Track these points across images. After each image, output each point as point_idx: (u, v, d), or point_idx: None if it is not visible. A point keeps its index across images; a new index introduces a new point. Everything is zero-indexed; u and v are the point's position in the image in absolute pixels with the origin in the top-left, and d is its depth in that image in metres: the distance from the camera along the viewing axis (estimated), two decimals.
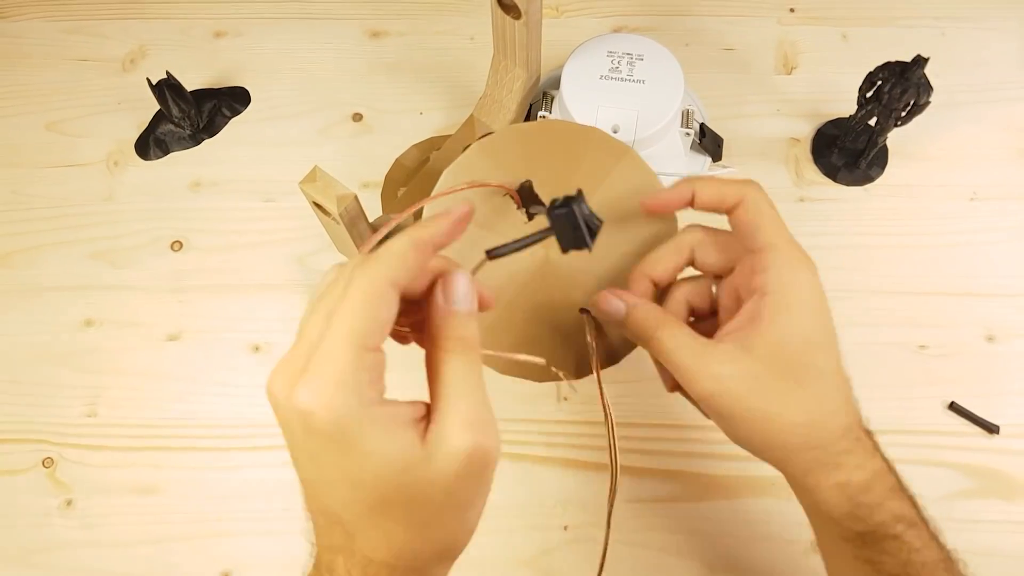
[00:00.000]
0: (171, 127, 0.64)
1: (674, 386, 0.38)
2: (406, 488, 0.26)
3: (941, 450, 0.53)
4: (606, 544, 0.42)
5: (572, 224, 0.33)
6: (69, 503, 0.53)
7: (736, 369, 0.33)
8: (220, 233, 0.61)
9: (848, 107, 0.59)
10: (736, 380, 0.33)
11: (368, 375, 0.26)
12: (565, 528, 0.52)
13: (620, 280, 0.43)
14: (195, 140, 0.64)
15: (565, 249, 0.34)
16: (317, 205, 0.43)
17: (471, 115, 0.59)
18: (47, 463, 0.54)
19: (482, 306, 0.31)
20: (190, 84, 0.63)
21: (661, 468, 0.53)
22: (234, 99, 0.66)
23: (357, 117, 0.65)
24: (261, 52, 0.68)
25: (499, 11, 0.49)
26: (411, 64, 0.67)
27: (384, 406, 0.26)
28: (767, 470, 0.52)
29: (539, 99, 0.59)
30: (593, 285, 0.43)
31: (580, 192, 0.32)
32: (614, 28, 0.68)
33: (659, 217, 0.43)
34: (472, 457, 0.27)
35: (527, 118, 0.60)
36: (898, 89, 0.53)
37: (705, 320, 0.39)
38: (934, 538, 0.35)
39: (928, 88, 0.54)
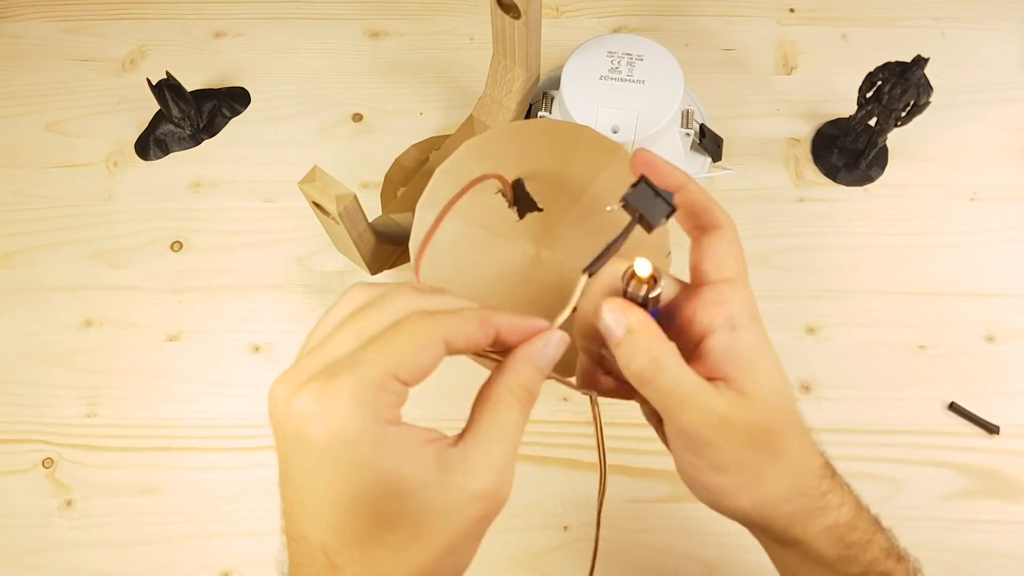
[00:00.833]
0: (171, 127, 0.64)
1: (657, 421, 0.34)
2: (412, 510, 0.24)
3: (941, 450, 0.53)
4: (596, 545, 0.42)
5: (651, 194, 0.30)
6: (69, 503, 0.53)
7: (740, 413, 0.28)
8: (220, 233, 0.61)
9: (848, 107, 0.59)
10: (741, 422, 0.29)
11: (389, 399, 0.24)
12: (566, 528, 0.52)
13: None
14: (195, 140, 0.64)
15: (654, 224, 0.30)
16: (316, 205, 0.43)
17: (470, 115, 0.59)
18: (47, 463, 0.54)
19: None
20: (190, 84, 0.63)
21: (660, 468, 0.53)
22: (234, 99, 0.66)
23: (357, 117, 0.65)
24: (261, 52, 0.68)
25: (499, 11, 0.49)
26: (411, 64, 0.67)
27: (399, 426, 0.25)
28: None
29: (539, 99, 0.59)
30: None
31: (643, 176, 0.30)
32: (614, 28, 0.68)
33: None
34: (491, 500, 0.26)
35: (527, 119, 0.60)
36: (898, 89, 0.53)
37: None
38: (917, 570, 0.34)
39: (928, 88, 0.54)
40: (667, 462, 0.53)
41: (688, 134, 0.57)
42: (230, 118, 0.65)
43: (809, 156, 0.62)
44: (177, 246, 0.61)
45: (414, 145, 0.63)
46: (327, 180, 0.42)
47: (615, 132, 0.53)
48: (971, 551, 0.50)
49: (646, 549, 0.51)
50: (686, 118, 0.57)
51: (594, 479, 0.53)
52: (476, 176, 0.39)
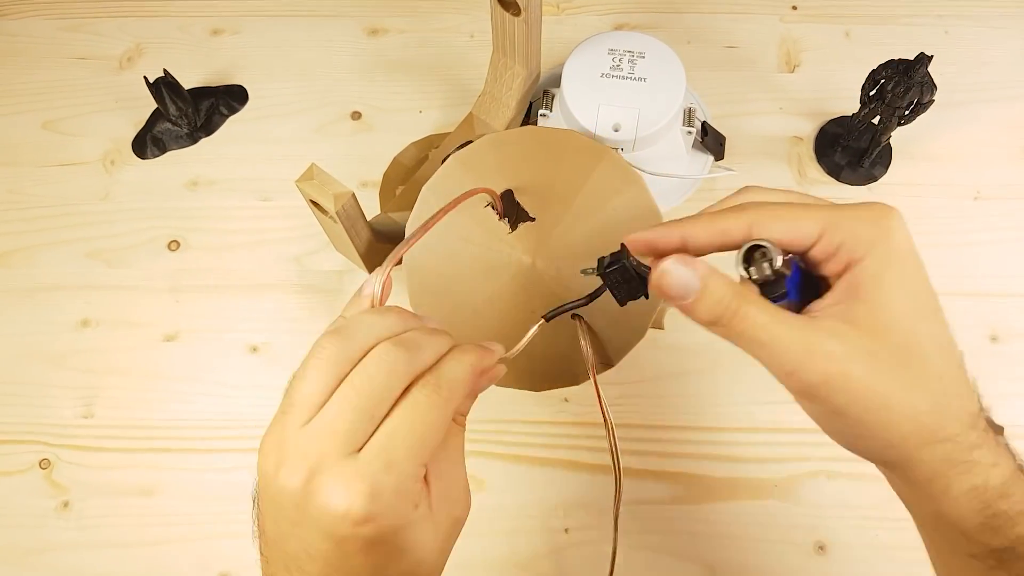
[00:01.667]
0: (168, 126, 0.64)
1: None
2: (409, 556, 0.27)
3: None
4: (615, 551, 0.42)
5: (625, 278, 0.32)
6: (66, 504, 0.52)
7: (849, 347, 0.27)
8: (217, 232, 0.61)
9: (851, 105, 0.59)
10: (852, 359, 0.26)
11: (418, 487, 0.27)
12: (566, 531, 0.51)
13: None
14: (192, 139, 0.64)
15: (622, 302, 0.33)
16: (314, 203, 0.43)
17: (470, 112, 0.58)
18: (44, 464, 0.54)
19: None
20: (187, 82, 0.63)
21: (662, 470, 0.52)
22: (232, 97, 0.65)
23: (356, 115, 0.65)
24: (259, 50, 0.68)
25: (499, 8, 0.49)
26: (410, 62, 0.67)
27: (420, 508, 0.27)
28: (768, 472, 0.52)
29: (539, 97, 0.58)
30: (583, 289, 0.43)
31: (624, 246, 0.31)
32: (615, 25, 0.68)
33: (644, 218, 0.43)
34: (462, 521, 0.29)
35: (527, 116, 0.60)
36: (901, 87, 0.53)
37: None
38: None
39: (931, 86, 0.53)
40: (668, 464, 0.53)
41: (690, 132, 0.57)
42: (228, 116, 0.65)
43: (812, 155, 0.62)
44: (174, 245, 0.60)
45: (413, 143, 0.62)
46: (325, 178, 0.41)
47: (616, 130, 0.53)
48: None
49: (648, 551, 0.50)
50: (688, 116, 0.57)
51: (596, 481, 0.53)
52: (464, 191, 0.39)
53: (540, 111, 0.57)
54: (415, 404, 0.26)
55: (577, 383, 0.45)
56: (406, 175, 0.59)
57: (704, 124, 0.59)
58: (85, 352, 0.57)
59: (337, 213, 0.41)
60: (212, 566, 0.51)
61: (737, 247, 0.28)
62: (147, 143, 0.64)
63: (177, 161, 0.63)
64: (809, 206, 0.28)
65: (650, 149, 0.55)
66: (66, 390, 0.56)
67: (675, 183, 0.59)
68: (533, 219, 0.44)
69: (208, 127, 0.64)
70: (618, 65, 0.55)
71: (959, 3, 0.68)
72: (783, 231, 0.28)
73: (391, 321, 0.29)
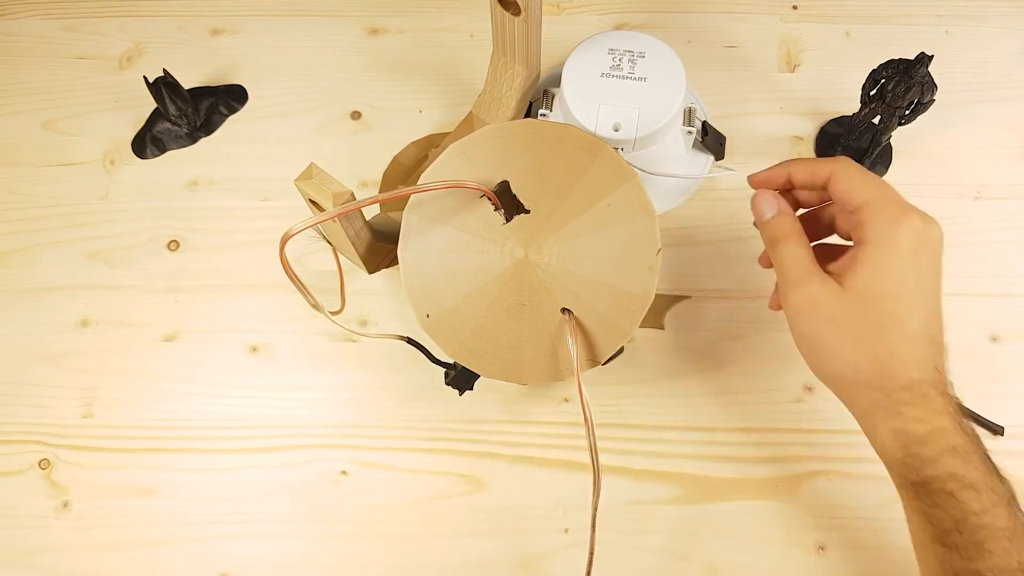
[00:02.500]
0: (168, 125, 0.64)
1: (776, 305, 0.43)
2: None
3: None
4: (592, 548, 0.43)
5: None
6: (65, 505, 0.52)
7: (828, 297, 0.37)
8: (217, 232, 0.60)
9: (851, 105, 0.59)
10: (824, 306, 0.37)
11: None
12: (566, 531, 0.51)
13: (602, 277, 0.43)
14: (192, 138, 0.64)
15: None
16: (313, 203, 0.43)
17: (470, 112, 0.58)
18: (43, 464, 0.53)
19: None
20: (187, 82, 0.63)
21: (662, 470, 0.52)
22: (231, 97, 0.65)
23: (356, 115, 0.65)
24: (259, 49, 0.68)
25: (498, 8, 0.49)
26: (410, 61, 0.67)
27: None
28: (768, 472, 0.52)
29: (540, 97, 0.58)
30: (574, 284, 0.43)
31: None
32: (615, 25, 0.68)
33: (638, 214, 0.43)
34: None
35: (527, 116, 0.60)
36: (902, 87, 0.53)
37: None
38: (1003, 506, 0.35)
39: (932, 86, 0.53)
40: (668, 464, 0.53)
41: (690, 132, 0.57)
42: (227, 116, 0.65)
43: (812, 154, 0.62)
44: (174, 245, 0.60)
45: (412, 143, 0.62)
46: (324, 177, 0.41)
47: (616, 130, 0.53)
48: None
49: (647, 551, 0.50)
50: (688, 116, 0.57)
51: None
52: (460, 178, 0.39)
53: (540, 111, 0.57)
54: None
55: (562, 378, 0.45)
56: (406, 175, 0.59)
57: (704, 124, 0.59)
58: (85, 352, 0.57)
59: None
60: (212, 566, 0.51)
61: (822, 187, 0.40)
62: (147, 143, 0.64)
63: (177, 161, 0.63)
64: (870, 182, 0.38)
65: (650, 149, 0.55)
66: (66, 390, 0.56)
67: (676, 183, 0.59)
68: (528, 211, 0.44)
69: (208, 127, 0.64)
70: (618, 65, 0.54)
71: (959, 3, 0.67)
72: (847, 190, 0.38)
73: None
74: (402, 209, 0.46)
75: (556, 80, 0.56)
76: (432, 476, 0.53)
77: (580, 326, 0.43)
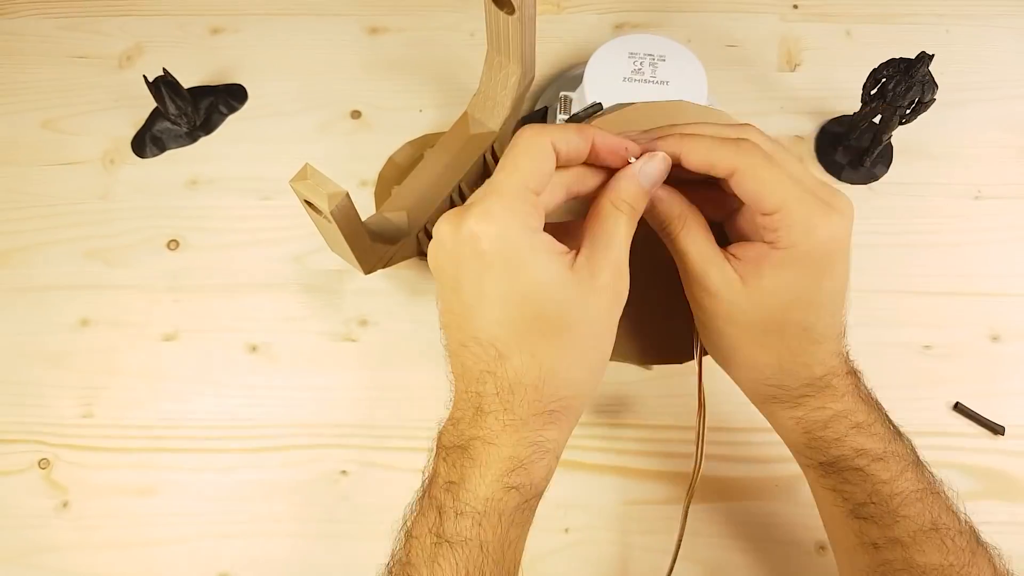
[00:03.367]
0: (168, 125, 0.63)
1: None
2: (557, 305, 0.30)
3: (946, 451, 0.52)
4: (678, 545, 0.44)
5: None
6: (65, 504, 0.52)
7: (732, 296, 0.33)
8: (217, 232, 0.60)
9: (852, 104, 0.59)
10: (728, 305, 0.33)
11: (531, 209, 0.30)
12: (566, 531, 0.51)
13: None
14: (192, 138, 0.64)
15: None
16: (308, 203, 0.43)
17: (465, 112, 0.58)
18: (43, 464, 0.53)
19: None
20: (187, 81, 0.63)
21: (662, 470, 0.52)
22: (231, 96, 0.65)
23: (356, 114, 0.65)
24: (259, 49, 0.68)
25: (492, 6, 0.48)
26: (410, 61, 0.67)
27: (542, 234, 0.30)
28: (768, 472, 0.52)
29: (558, 102, 0.57)
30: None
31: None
32: (615, 24, 0.68)
33: None
34: (613, 291, 0.31)
35: (544, 121, 0.59)
36: (902, 86, 0.53)
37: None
38: (910, 470, 0.36)
39: (933, 85, 0.53)
40: (668, 464, 0.53)
41: None
42: (227, 115, 0.65)
43: (813, 154, 0.62)
44: (174, 245, 0.60)
45: (408, 143, 0.62)
46: (319, 178, 0.41)
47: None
48: None
49: (647, 551, 0.50)
50: None
51: (595, 481, 0.53)
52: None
53: (559, 117, 0.57)
54: (514, 140, 0.31)
55: (680, 361, 0.43)
56: (401, 175, 0.59)
57: None
58: (84, 352, 0.57)
59: (331, 213, 0.41)
60: (212, 566, 0.51)
61: (719, 179, 0.33)
62: (146, 142, 0.64)
63: (176, 160, 0.63)
64: (783, 179, 0.32)
65: None
66: (65, 390, 0.56)
67: None
68: None
69: (208, 126, 0.64)
70: (639, 69, 0.54)
71: (960, 2, 0.67)
72: (757, 191, 0.32)
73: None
74: (397, 210, 0.45)
75: (571, 83, 0.56)
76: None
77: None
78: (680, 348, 0.42)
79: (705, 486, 0.52)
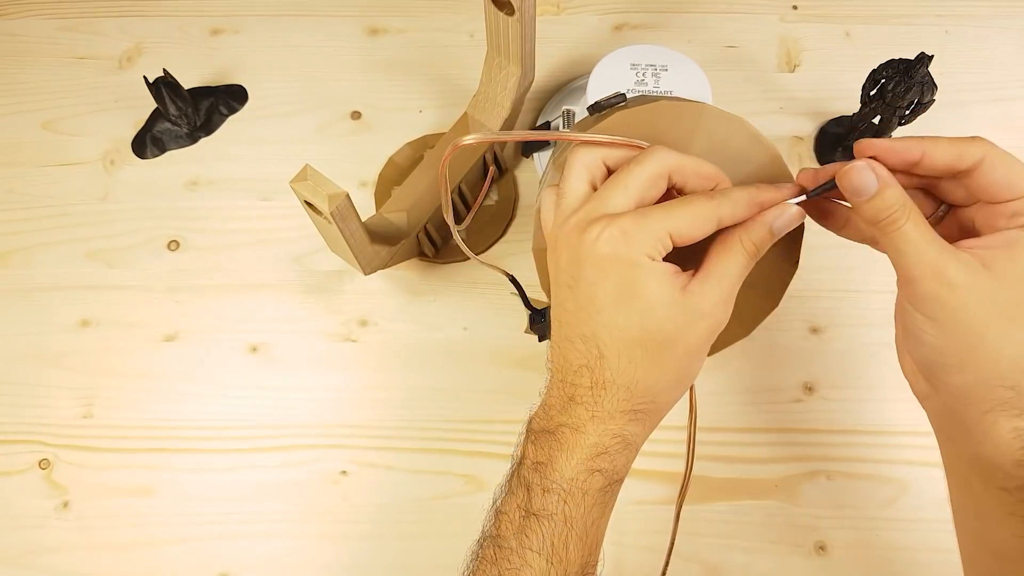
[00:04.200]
0: (168, 125, 0.64)
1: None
2: (663, 323, 0.32)
3: None
4: (671, 548, 0.44)
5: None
6: (65, 505, 0.52)
7: (975, 282, 0.31)
8: (217, 232, 0.60)
9: (851, 105, 0.59)
10: (970, 293, 0.31)
11: (661, 248, 0.32)
12: None
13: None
14: (192, 138, 0.64)
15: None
16: (308, 204, 0.43)
17: (464, 113, 0.58)
18: (43, 464, 0.53)
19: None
20: (187, 82, 0.63)
21: (662, 470, 0.52)
22: (231, 97, 0.65)
23: (356, 115, 0.65)
24: (259, 49, 0.68)
25: (492, 7, 0.48)
26: (410, 61, 0.67)
27: (661, 263, 0.33)
28: (768, 472, 0.52)
29: (560, 116, 0.57)
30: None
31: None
32: (615, 25, 0.68)
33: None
34: (714, 319, 0.33)
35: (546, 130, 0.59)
36: (902, 87, 0.53)
37: None
38: None
39: (932, 86, 0.53)
40: (668, 464, 0.53)
41: None
42: (227, 116, 0.65)
43: (812, 154, 0.62)
44: (174, 245, 0.60)
45: (408, 144, 0.62)
46: (319, 179, 0.41)
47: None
48: None
49: (648, 551, 0.50)
50: None
51: None
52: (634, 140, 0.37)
53: (562, 129, 0.57)
54: (689, 198, 0.33)
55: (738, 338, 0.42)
56: (402, 175, 0.59)
57: None
58: (84, 352, 0.57)
59: (331, 214, 0.41)
60: (211, 566, 0.51)
61: (963, 173, 0.33)
62: (147, 143, 0.64)
63: (177, 161, 0.63)
64: None
65: None
66: (65, 390, 0.56)
67: None
68: None
69: (208, 127, 0.64)
70: (642, 80, 0.54)
71: (959, 3, 0.67)
72: (1006, 179, 0.32)
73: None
74: (397, 210, 0.45)
75: (573, 95, 0.56)
76: (432, 476, 0.53)
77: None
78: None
79: (704, 486, 0.52)
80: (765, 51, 0.66)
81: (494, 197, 0.60)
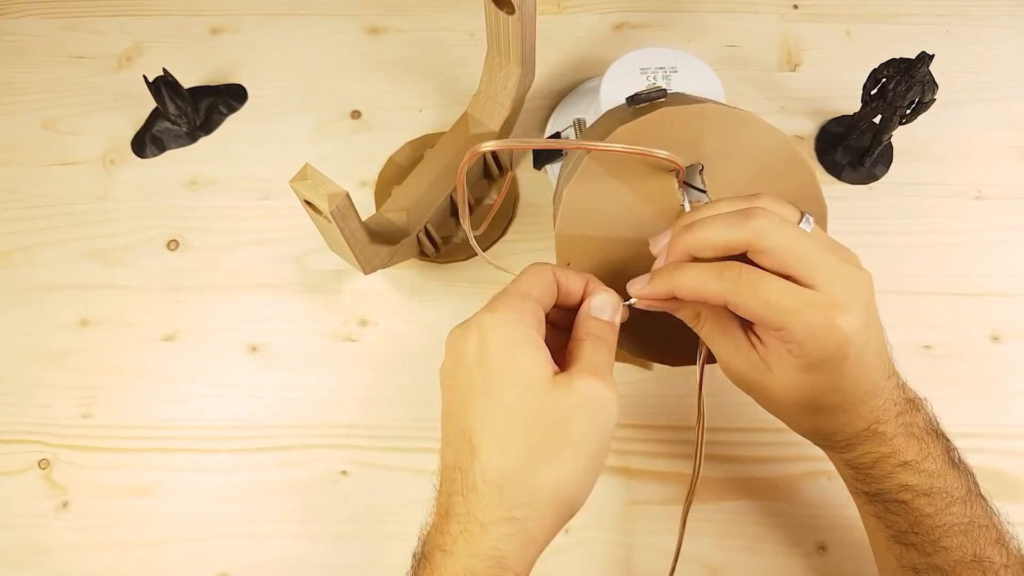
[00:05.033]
0: (168, 125, 0.63)
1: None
2: (531, 403, 0.31)
3: None
4: (678, 551, 0.44)
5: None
6: (65, 505, 0.52)
7: (762, 382, 0.36)
8: (217, 232, 0.60)
9: (852, 104, 0.59)
10: (757, 390, 0.37)
11: (532, 309, 0.33)
12: (566, 531, 0.51)
13: None
14: (192, 138, 0.64)
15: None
16: (308, 204, 0.43)
17: (465, 112, 0.58)
18: (43, 464, 0.53)
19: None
20: (187, 81, 0.63)
21: (663, 470, 0.52)
22: (231, 96, 0.65)
23: (356, 114, 0.65)
24: (258, 49, 0.68)
25: (492, 6, 0.48)
26: (410, 61, 0.67)
27: (539, 336, 0.33)
28: (768, 472, 0.52)
29: (571, 126, 0.56)
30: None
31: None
32: (616, 24, 0.68)
33: (809, 207, 0.40)
34: (590, 398, 0.31)
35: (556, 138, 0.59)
36: (903, 86, 0.53)
37: None
38: (957, 504, 0.36)
39: (933, 85, 0.53)
40: (668, 464, 0.53)
41: None
42: (227, 115, 0.65)
43: (813, 154, 0.62)
44: (173, 245, 0.60)
45: (408, 143, 0.62)
46: (319, 178, 0.41)
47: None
48: None
49: (649, 551, 0.50)
50: None
51: (598, 482, 0.52)
52: (658, 151, 0.38)
53: (575, 136, 0.57)
54: (522, 271, 0.35)
55: (681, 364, 0.43)
56: (401, 175, 0.59)
57: None
58: (84, 352, 0.57)
59: (331, 213, 0.41)
60: (211, 566, 0.51)
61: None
62: (146, 142, 0.64)
63: (176, 160, 0.63)
64: (783, 295, 0.32)
65: None
66: (65, 390, 0.56)
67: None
68: (706, 193, 0.42)
69: (207, 126, 0.64)
70: (654, 83, 0.53)
71: (960, 3, 0.67)
72: (752, 314, 0.33)
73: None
74: (397, 210, 0.45)
75: (582, 100, 0.55)
76: (432, 476, 0.52)
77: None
78: (682, 351, 0.43)
79: (706, 486, 0.52)
80: (766, 50, 0.66)
81: (494, 196, 0.60)
